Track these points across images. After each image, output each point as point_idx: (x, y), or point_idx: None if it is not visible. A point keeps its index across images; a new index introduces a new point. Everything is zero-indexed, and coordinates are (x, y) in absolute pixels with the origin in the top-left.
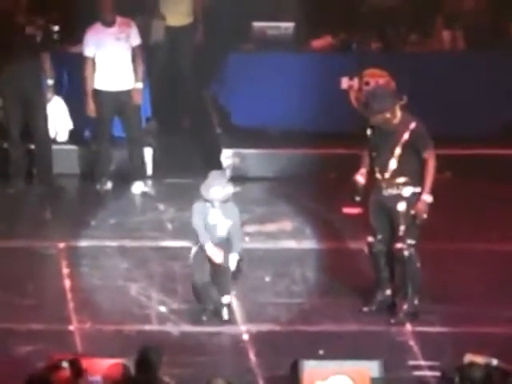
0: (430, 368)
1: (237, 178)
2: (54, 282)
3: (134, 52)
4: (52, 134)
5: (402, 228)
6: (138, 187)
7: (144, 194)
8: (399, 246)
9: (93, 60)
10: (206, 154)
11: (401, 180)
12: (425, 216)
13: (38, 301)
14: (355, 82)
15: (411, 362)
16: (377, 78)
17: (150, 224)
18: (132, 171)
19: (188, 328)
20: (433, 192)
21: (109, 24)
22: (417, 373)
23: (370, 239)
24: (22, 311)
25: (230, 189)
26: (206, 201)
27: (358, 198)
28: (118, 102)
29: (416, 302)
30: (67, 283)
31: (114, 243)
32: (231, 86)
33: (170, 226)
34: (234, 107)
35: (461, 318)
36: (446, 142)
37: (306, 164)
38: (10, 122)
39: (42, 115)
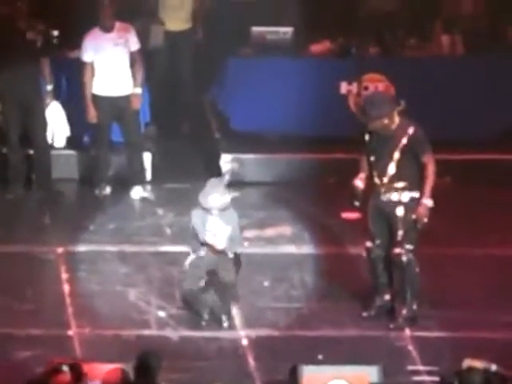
0: (429, 373)
1: (236, 183)
2: (53, 287)
3: (133, 57)
4: (49, 140)
5: (401, 233)
6: (136, 192)
7: (143, 199)
8: (398, 251)
9: (91, 65)
10: (205, 159)
11: (399, 185)
12: (426, 220)
13: (37, 306)
14: (354, 87)
15: (410, 367)
16: (376, 83)
17: (149, 229)
18: (131, 176)
19: (187, 333)
20: (432, 197)
21: (107, 29)
22: (416, 378)
23: (369, 244)
24: (20, 316)
25: (228, 197)
26: (204, 209)
27: (356, 203)
28: (116, 107)
29: (415, 306)
30: (66, 288)
31: (112, 248)
32: (230, 90)
33: (168, 231)
34: (233, 112)
35: (459, 322)
36: (444, 146)
37: (305, 169)
38: (9, 126)
39: (41, 120)
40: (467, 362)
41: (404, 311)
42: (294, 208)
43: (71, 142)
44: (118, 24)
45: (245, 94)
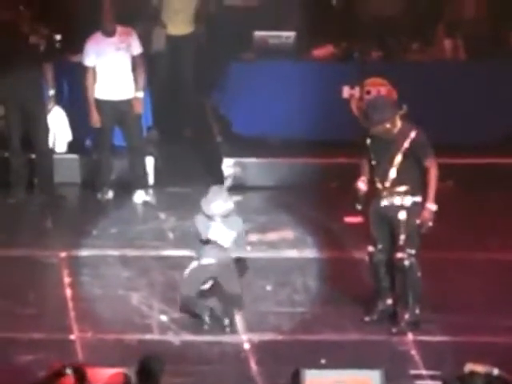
0: (432, 377)
1: (238, 187)
2: (55, 291)
3: (135, 61)
4: (51, 145)
5: (403, 237)
6: (139, 196)
7: (145, 203)
8: (400, 255)
9: (93, 70)
10: (207, 163)
11: (401, 189)
12: (430, 224)
13: (39, 310)
14: (356, 91)
15: (412, 372)
16: (378, 87)
17: (151, 233)
18: (133, 180)
19: (189, 337)
20: (435, 201)
21: (109, 34)
22: (418, 382)
23: (371, 249)
24: (23, 320)
25: (231, 203)
26: (207, 216)
27: (359, 206)
28: (118, 111)
29: (417, 311)
30: (68, 292)
31: (115, 252)
32: (232, 94)
33: (171, 235)
34: (235, 116)
35: (462, 327)
36: (446, 150)
37: (307, 173)
38: (11, 131)
39: (43, 125)
40: (469, 367)
41: (406, 315)
42: (297, 212)
43: (73, 147)
44: (119, 28)
45: (247, 99)
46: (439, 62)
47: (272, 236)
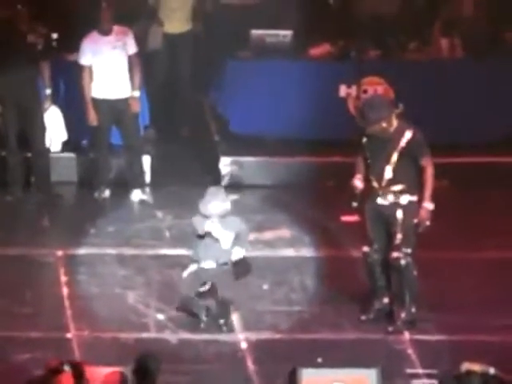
0: (428, 376)
1: (235, 186)
2: (52, 290)
3: (131, 60)
4: (47, 143)
5: (399, 236)
6: (136, 195)
7: (142, 202)
8: (396, 254)
9: (90, 68)
10: (204, 162)
11: (397, 188)
12: (427, 224)
13: (36, 308)
14: (353, 90)
15: (409, 370)
16: (375, 86)
17: (148, 232)
18: (130, 179)
19: (186, 336)
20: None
21: (105, 32)
22: (415, 381)
23: (366, 249)
24: (19, 319)
25: (228, 204)
26: (205, 216)
27: (355, 204)
28: (115, 110)
29: (413, 310)
30: (65, 291)
31: (112, 251)
32: (229, 93)
33: (168, 234)
34: (233, 115)
35: (458, 326)
36: (443, 149)
37: (304, 172)
38: (7, 129)
39: (39, 124)
40: (466, 366)
41: (403, 314)
42: (293, 211)
43: (70, 145)
44: (116, 27)
45: (244, 97)
46: (436, 61)
47: (269, 235)
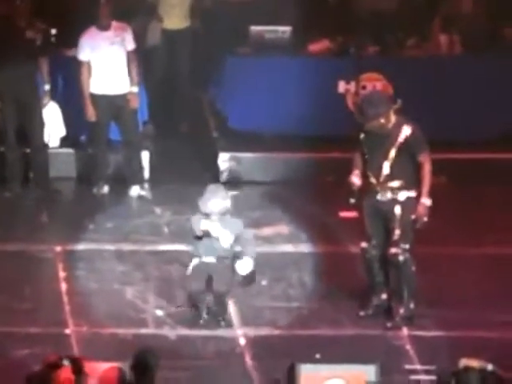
0: (426, 372)
1: (233, 182)
2: (51, 286)
3: (129, 56)
4: (46, 139)
5: (398, 232)
6: (134, 191)
7: (141, 198)
8: (394, 250)
9: (88, 64)
10: (202, 158)
11: (395, 184)
12: (425, 219)
13: (35, 304)
14: (352, 86)
15: (407, 366)
16: (374, 82)
17: (146, 227)
18: (129, 175)
19: (185, 332)
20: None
21: (104, 28)
22: (413, 377)
23: (364, 245)
24: (18, 315)
25: (229, 202)
26: (205, 214)
27: (352, 200)
28: (114, 106)
29: (412, 306)
30: (64, 287)
31: (110, 247)
32: (228, 89)
33: (166, 230)
34: (231, 111)
35: (456, 322)
36: (441, 146)
37: (303, 168)
38: (6, 125)
39: (38, 119)
40: (464, 362)
41: (401, 310)
42: (292, 207)
43: (69, 141)
44: (114, 23)
45: (243, 93)
46: (435, 57)
47: (267, 231)
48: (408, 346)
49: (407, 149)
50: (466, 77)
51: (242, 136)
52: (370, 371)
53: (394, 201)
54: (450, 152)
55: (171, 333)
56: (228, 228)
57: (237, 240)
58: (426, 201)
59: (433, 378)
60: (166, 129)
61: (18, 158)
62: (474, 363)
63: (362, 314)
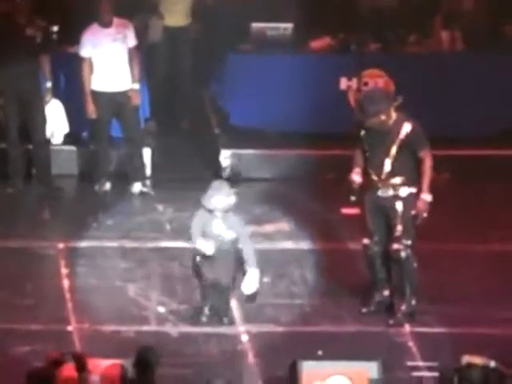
0: (429, 369)
1: (235, 179)
2: (53, 282)
3: (131, 53)
4: (48, 136)
5: (399, 228)
6: (136, 188)
7: (143, 195)
8: (396, 246)
9: (90, 61)
10: (204, 155)
11: (397, 180)
12: (425, 215)
13: (37, 301)
14: (354, 83)
15: (410, 363)
16: (376, 79)
17: (148, 225)
18: (131, 172)
19: (187, 329)
20: (430, 192)
21: (106, 25)
22: (415, 373)
23: (366, 241)
24: (20, 311)
25: (233, 198)
26: (209, 210)
27: (353, 198)
28: (115, 102)
29: (414, 302)
30: (66, 283)
31: (112, 244)
32: (230, 86)
33: (168, 227)
34: (233, 108)
35: (459, 318)
36: (443, 142)
37: (304, 165)
38: (8, 121)
39: (40, 116)
40: (466, 359)
41: (403, 307)
42: (293, 204)
43: (71, 138)
44: (116, 20)
45: (244, 90)
46: (437, 54)
47: (268, 228)
48: (410, 343)
49: (408, 145)
50: (467, 73)
51: (243, 133)
52: (372, 368)
53: (396, 197)
54: (451, 148)
55: (173, 330)
56: (230, 226)
57: (240, 240)
58: (427, 196)
59: (435, 374)
60: (168, 126)
61: (20, 154)
62: (477, 360)
63: (364, 310)
